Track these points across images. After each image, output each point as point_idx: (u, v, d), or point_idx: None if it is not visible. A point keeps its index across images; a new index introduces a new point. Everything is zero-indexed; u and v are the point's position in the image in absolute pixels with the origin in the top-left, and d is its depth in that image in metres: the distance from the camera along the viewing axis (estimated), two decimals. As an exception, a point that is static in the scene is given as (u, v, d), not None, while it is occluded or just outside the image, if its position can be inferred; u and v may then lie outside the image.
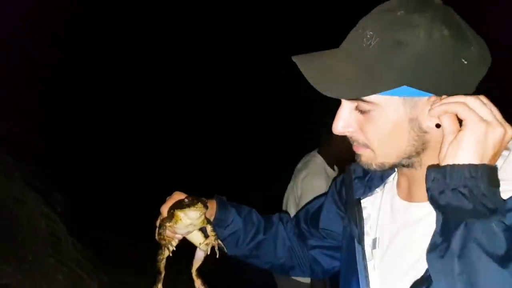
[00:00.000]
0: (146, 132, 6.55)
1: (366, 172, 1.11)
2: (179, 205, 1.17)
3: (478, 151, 0.77)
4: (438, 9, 0.85)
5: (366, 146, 0.92)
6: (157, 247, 1.27)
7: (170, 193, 1.27)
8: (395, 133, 0.88)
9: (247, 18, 7.40)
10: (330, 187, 1.30)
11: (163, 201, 1.26)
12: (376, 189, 1.09)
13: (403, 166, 0.94)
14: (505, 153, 0.89)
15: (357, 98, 0.87)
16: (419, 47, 0.82)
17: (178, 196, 1.23)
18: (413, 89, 0.84)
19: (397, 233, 0.99)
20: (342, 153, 2.71)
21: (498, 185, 0.78)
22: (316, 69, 0.88)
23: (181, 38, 7.52)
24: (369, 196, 1.09)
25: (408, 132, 0.88)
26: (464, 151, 0.78)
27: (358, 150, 0.94)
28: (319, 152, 2.95)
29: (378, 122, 0.88)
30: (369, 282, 1.03)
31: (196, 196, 1.22)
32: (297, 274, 1.39)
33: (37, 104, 4.77)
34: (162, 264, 1.26)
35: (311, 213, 1.32)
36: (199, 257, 1.30)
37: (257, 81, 6.92)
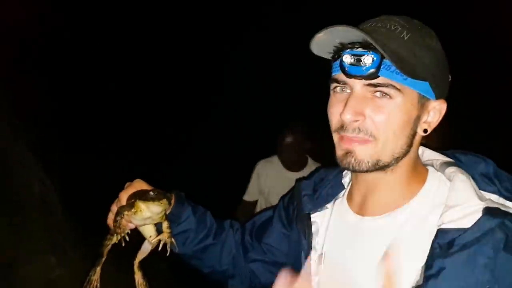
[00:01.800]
0: (148, 113, 6.57)
1: (315, 189, 1.14)
2: (143, 196, 1.15)
3: None
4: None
5: (372, 137, 0.92)
6: None
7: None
8: (403, 126, 0.93)
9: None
10: (277, 204, 1.31)
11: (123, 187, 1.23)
12: (326, 205, 1.10)
13: (386, 167, 0.96)
14: (446, 182, 0.97)
15: (387, 84, 0.90)
16: (435, 51, 0.93)
17: (139, 184, 1.22)
18: (429, 89, 0.92)
19: (346, 248, 1.01)
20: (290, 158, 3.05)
21: None
22: (384, 42, 0.90)
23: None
24: (319, 211, 1.10)
25: (410, 129, 0.94)
26: None
27: (357, 145, 0.93)
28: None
29: (394, 110, 0.91)
30: None
31: (158, 189, 1.20)
32: (236, 283, 1.37)
33: (47, 70, 4.84)
34: (107, 249, 1.26)
35: (256, 226, 1.32)
36: (145, 249, 1.29)
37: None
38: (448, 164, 1.00)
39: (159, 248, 1.24)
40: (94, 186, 3.87)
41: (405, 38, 0.90)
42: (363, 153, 0.93)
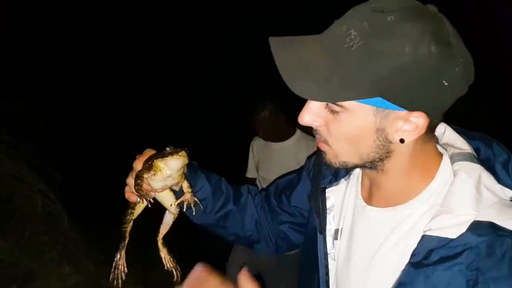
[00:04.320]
0: (147, 113, 6.55)
1: None
2: (159, 155, 1.08)
3: None
4: (431, 20, 0.80)
5: (326, 142, 0.90)
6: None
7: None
8: (360, 139, 0.87)
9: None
10: (304, 166, 1.27)
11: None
12: (342, 179, 1.08)
13: (366, 167, 0.93)
14: (448, 181, 0.89)
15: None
16: (401, 61, 0.78)
17: (150, 152, 1.15)
18: (387, 102, 0.81)
19: (355, 230, 1.01)
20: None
21: None
22: (292, 65, 0.84)
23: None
24: (334, 185, 1.08)
25: (373, 141, 0.86)
26: None
27: (321, 146, 0.93)
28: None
29: (345, 125, 0.86)
30: (328, 271, 1.04)
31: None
32: (262, 248, 1.35)
33: (38, 84, 4.82)
34: (129, 228, 1.20)
35: (281, 189, 1.29)
36: (167, 221, 1.23)
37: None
38: (460, 157, 0.90)
39: (184, 209, 1.17)
40: (97, 195, 3.88)
41: (353, 48, 0.79)
42: (330, 156, 0.92)
